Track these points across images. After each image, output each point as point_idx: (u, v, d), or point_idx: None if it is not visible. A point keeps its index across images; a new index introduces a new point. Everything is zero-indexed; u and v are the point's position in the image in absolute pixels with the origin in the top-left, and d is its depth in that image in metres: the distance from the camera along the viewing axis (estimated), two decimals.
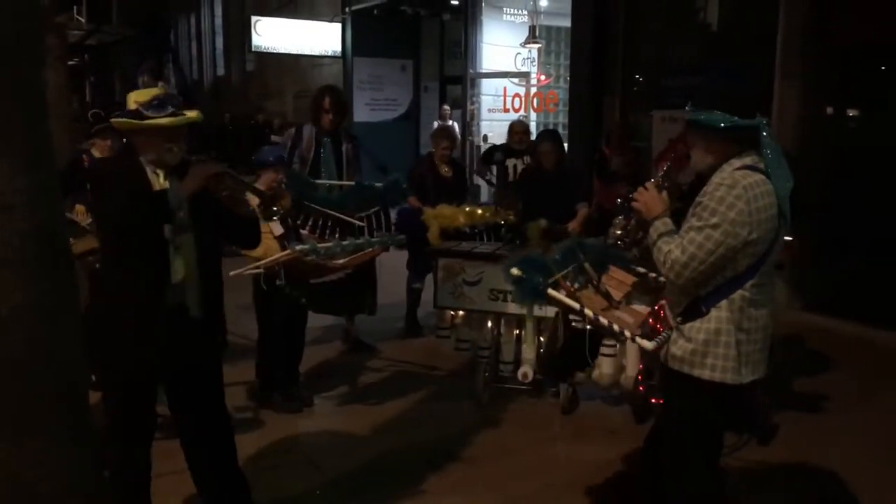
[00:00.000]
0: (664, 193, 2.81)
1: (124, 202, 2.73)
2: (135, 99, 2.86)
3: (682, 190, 2.97)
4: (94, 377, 4.61)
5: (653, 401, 4.20)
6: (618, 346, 4.16)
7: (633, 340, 2.87)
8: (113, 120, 2.99)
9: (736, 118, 2.63)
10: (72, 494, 2.25)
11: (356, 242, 4.36)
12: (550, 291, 3.10)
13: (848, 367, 5.53)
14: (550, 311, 4.45)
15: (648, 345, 2.79)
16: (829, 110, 7.04)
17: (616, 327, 2.94)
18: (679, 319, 2.73)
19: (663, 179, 2.86)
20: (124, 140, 3.17)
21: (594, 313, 3.00)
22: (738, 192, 2.56)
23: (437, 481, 3.86)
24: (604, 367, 4.21)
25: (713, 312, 2.65)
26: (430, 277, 5.89)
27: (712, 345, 2.65)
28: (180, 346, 2.91)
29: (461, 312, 4.84)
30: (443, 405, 4.87)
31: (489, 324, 4.78)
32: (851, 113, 7.16)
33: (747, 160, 2.65)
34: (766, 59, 6.98)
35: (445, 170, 6.38)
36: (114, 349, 2.87)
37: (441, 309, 4.92)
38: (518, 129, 7.15)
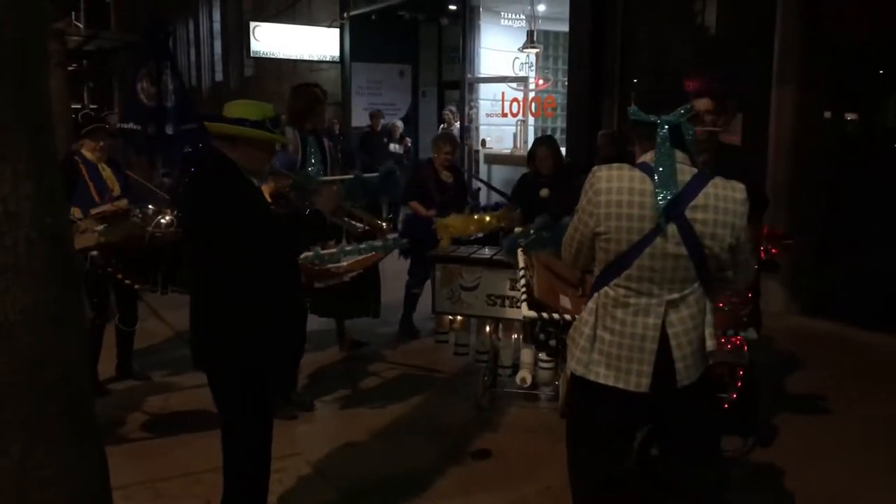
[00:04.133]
0: None
1: (296, 232, 3.18)
2: (264, 114, 3.02)
3: None
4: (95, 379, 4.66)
5: None
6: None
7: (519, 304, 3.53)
8: (252, 131, 2.98)
9: (639, 112, 2.50)
10: (79, 495, 2.27)
11: (359, 247, 4.38)
12: (519, 251, 3.93)
13: (845, 370, 5.56)
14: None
15: (525, 312, 3.44)
16: (827, 112, 7.07)
17: (524, 290, 3.55)
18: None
19: None
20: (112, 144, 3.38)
21: (530, 277, 3.69)
22: (591, 181, 2.50)
23: (439, 484, 3.89)
24: (542, 376, 4.58)
25: (588, 304, 2.63)
26: (428, 283, 5.92)
27: (576, 332, 2.64)
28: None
29: (459, 317, 4.87)
30: (442, 408, 4.89)
31: (487, 328, 4.80)
32: (850, 114, 7.19)
33: (647, 157, 2.48)
34: (763, 61, 7.02)
35: (446, 174, 6.41)
36: (266, 345, 3.03)
37: (439, 314, 4.93)
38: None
